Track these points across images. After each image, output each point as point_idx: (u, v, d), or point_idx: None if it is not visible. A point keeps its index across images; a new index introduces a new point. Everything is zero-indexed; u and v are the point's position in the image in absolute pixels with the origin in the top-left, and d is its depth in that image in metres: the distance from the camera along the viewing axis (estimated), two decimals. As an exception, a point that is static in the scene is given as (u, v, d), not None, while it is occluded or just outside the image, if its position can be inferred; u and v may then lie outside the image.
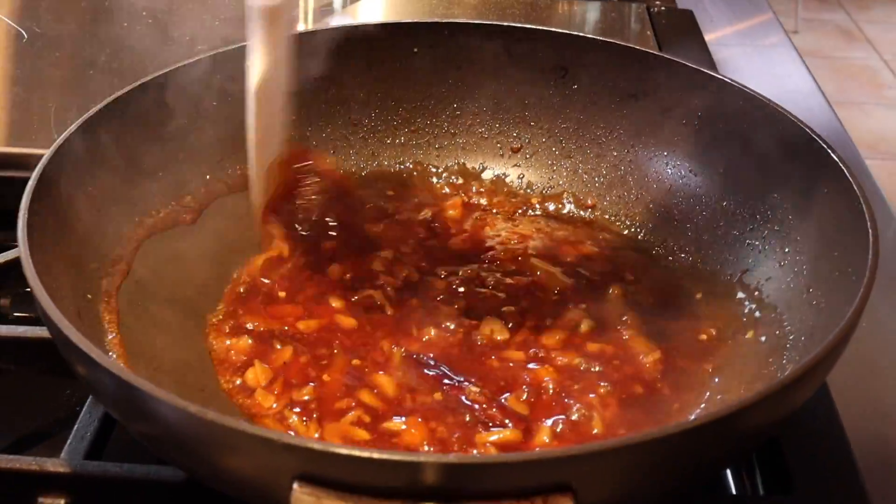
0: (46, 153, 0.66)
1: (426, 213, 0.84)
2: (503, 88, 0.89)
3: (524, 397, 0.65)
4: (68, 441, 0.63)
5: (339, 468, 0.44)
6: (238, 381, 0.68)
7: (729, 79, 0.79)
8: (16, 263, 0.69)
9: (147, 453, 0.62)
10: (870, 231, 0.61)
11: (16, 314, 0.83)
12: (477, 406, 0.64)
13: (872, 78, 3.59)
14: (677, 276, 0.78)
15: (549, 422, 0.63)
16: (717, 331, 0.71)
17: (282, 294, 0.75)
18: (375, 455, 0.43)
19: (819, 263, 0.67)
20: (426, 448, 0.61)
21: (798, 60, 1.25)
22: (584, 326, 0.72)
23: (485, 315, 0.72)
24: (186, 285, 0.74)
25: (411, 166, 0.89)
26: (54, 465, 0.61)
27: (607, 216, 0.85)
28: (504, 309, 0.73)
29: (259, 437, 0.45)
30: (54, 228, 0.64)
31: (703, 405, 0.66)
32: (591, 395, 0.65)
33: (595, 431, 0.63)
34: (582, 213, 0.86)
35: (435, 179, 0.89)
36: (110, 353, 0.64)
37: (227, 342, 0.71)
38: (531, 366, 0.68)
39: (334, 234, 0.81)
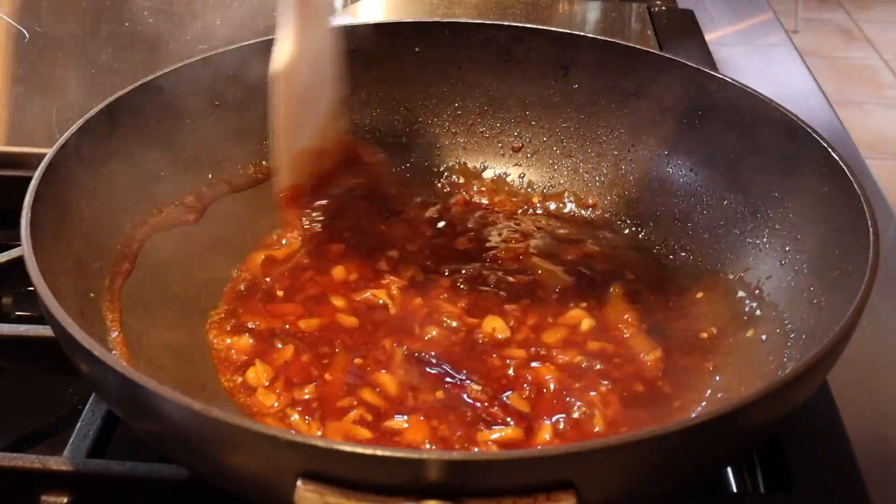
0: (49, 152, 0.67)
1: (432, 213, 0.84)
2: (504, 88, 0.89)
3: (526, 395, 0.65)
4: (71, 439, 0.63)
5: (342, 465, 0.45)
6: (239, 380, 0.68)
7: (729, 78, 0.79)
8: (18, 262, 0.70)
9: (150, 451, 0.63)
10: (870, 230, 0.61)
11: (17, 313, 0.83)
12: (479, 404, 0.64)
13: (872, 78, 3.59)
14: (678, 275, 0.78)
15: (551, 420, 0.63)
16: (718, 329, 0.72)
17: (280, 293, 0.75)
18: (379, 452, 0.44)
19: (819, 262, 0.67)
20: (428, 446, 0.61)
21: (798, 60, 1.26)
22: (585, 325, 0.72)
23: (486, 314, 0.72)
24: (188, 284, 0.75)
25: (412, 166, 0.90)
26: (57, 463, 0.61)
27: (608, 215, 0.85)
28: (505, 307, 0.73)
29: (263, 435, 0.45)
30: (57, 227, 0.64)
31: (703, 403, 0.66)
32: (593, 394, 0.65)
33: (597, 429, 0.63)
34: (583, 212, 0.86)
35: (436, 179, 0.89)
36: (113, 352, 0.64)
37: (228, 341, 0.71)
38: (533, 364, 0.68)
39: (347, 233, 0.81)
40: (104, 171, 0.72)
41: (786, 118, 0.73)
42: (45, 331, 0.69)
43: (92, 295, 0.66)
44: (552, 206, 0.87)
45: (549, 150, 0.89)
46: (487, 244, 0.81)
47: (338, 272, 0.77)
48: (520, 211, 0.86)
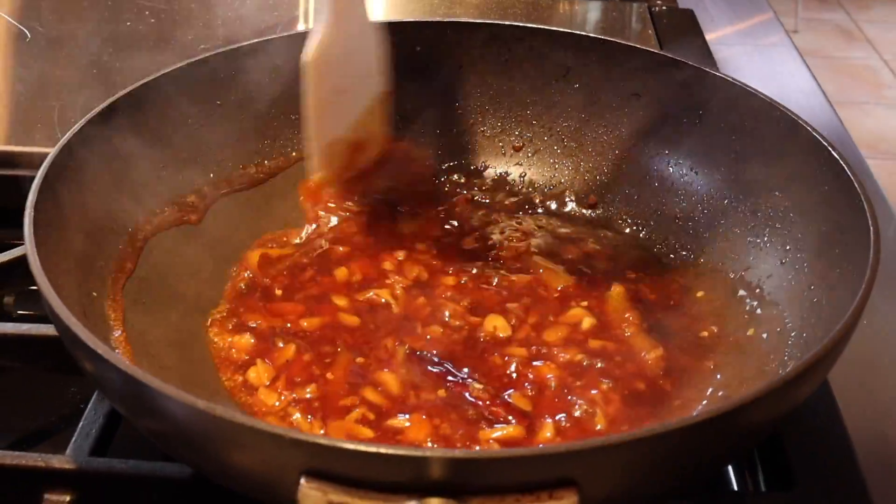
0: (52, 152, 0.67)
1: (442, 212, 0.84)
2: (505, 87, 0.89)
3: (527, 394, 0.65)
4: (73, 438, 0.63)
5: (345, 463, 0.45)
6: (240, 379, 0.68)
7: (730, 77, 0.79)
8: (20, 261, 0.70)
9: (152, 450, 0.63)
10: (871, 229, 0.61)
11: (20, 312, 0.84)
12: (480, 402, 0.64)
13: (872, 78, 3.59)
14: (679, 274, 0.78)
15: (552, 418, 0.63)
16: (719, 328, 0.72)
17: (279, 292, 0.75)
18: (382, 450, 0.44)
19: (820, 261, 0.67)
20: (430, 445, 0.61)
21: (798, 60, 1.26)
22: (586, 324, 0.72)
23: (488, 312, 0.72)
24: (190, 283, 0.75)
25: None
26: (60, 461, 0.61)
27: (609, 214, 0.85)
28: (507, 306, 0.73)
29: (267, 433, 0.45)
30: (59, 226, 0.65)
31: (704, 402, 0.66)
32: (594, 392, 0.65)
33: (598, 428, 0.63)
34: (584, 211, 0.86)
35: (437, 178, 0.89)
36: (116, 351, 0.64)
37: (229, 340, 0.71)
38: (534, 363, 0.68)
39: (357, 236, 0.81)
40: (106, 171, 0.72)
41: (786, 117, 0.74)
42: (47, 330, 0.69)
43: (94, 294, 0.66)
44: (553, 206, 0.87)
45: (549, 150, 0.89)
46: (489, 243, 0.81)
47: (340, 273, 0.77)
48: (521, 210, 0.86)
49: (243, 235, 0.81)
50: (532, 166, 0.89)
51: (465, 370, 0.67)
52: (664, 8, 1.31)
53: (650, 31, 1.23)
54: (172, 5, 1.22)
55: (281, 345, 0.70)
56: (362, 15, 0.79)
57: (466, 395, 0.65)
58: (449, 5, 1.30)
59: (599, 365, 0.68)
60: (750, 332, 0.70)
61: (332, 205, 0.82)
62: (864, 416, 0.69)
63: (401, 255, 0.78)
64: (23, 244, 0.66)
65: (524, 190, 0.88)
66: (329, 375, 0.67)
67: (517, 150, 0.89)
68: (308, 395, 0.66)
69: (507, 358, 0.68)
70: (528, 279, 0.76)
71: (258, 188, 0.84)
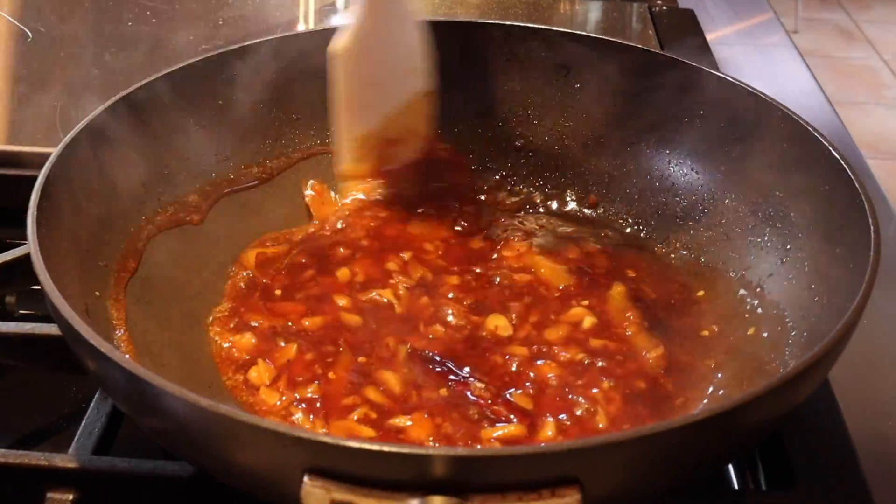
0: (54, 151, 0.67)
1: (452, 213, 0.84)
2: (506, 87, 0.89)
3: (529, 393, 0.65)
4: (76, 437, 0.64)
5: (349, 461, 0.45)
6: (241, 378, 0.68)
7: (731, 77, 0.79)
8: (21, 261, 0.70)
9: (155, 448, 0.63)
10: (871, 228, 0.61)
11: (21, 311, 0.84)
12: (482, 402, 0.64)
13: (872, 78, 3.59)
14: (679, 273, 0.78)
15: (554, 417, 0.64)
16: (720, 327, 0.72)
17: (278, 292, 0.75)
18: (385, 448, 0.44)
19: (820, 260, 0.67)
20: (432, 444, 0.62)
21: (798, 60, 1.26)
22: (587, 323, 0.72)
23: (490, 312, 0.72)
24: (192, 282, 0.75)
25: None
26: (62, 460, 0.61)
27: (610, 214, 0.85)
28: (508, 305, 0.73)
29: (270, 431, 0.46)
30: (62, 226, 0.65)
31: (705, 400, 0.66)
32: (595, 391, 0.66)
33: (600, 426, 0.63)
34: (585, 210, 0.86)
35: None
36: (118, 349, 0.64)
37: (231, 339, 0.71)
38: (535, 362, 0.68)
39: (365, 240, 0.81)
40: (108, 171, 0.72)
41: (787, 117, 0.74)
42: (49, 329, 0.69)
43: (97, 293, 0.66)
44: (554, 205, 0.87)
45: (550, 149, 0.89)
46: (492, 243, 0.81)
47: (342, 273, 0.77)
48: (522, 210, 0.86)
49: (245, 235, 0.81)
50: (533, 166, 0.89)
51: (467, 369, 0.67)
52: (664, 8, 1.31)
53: (651, 31, 1.23)
54: (173, 5, 1.22)
55: (282, 344, 0.70)
56: (401, 11, 0.79)
57: (468, 394, 0.65)
58: (450, 5, 1.30)
59: (600, 364, 0.68)
60: (750, 331, 0.70)
61: (360, 194, 0.82)
62: (864, 416, 0.70)
63: (407, 255, 0.78)
64: (24, 244, 0.66)
65: (525, 190, 0.88)
66: (331, 375, 0.67)
67: (518, 149, 0.90)
68: (310, 395, 0.66)
69: (508, 357, 0.69)
70: (530, 278, 0.76)
71: (260, 188, 0.84)
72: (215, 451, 0.50)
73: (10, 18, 1.17)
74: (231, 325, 0.72)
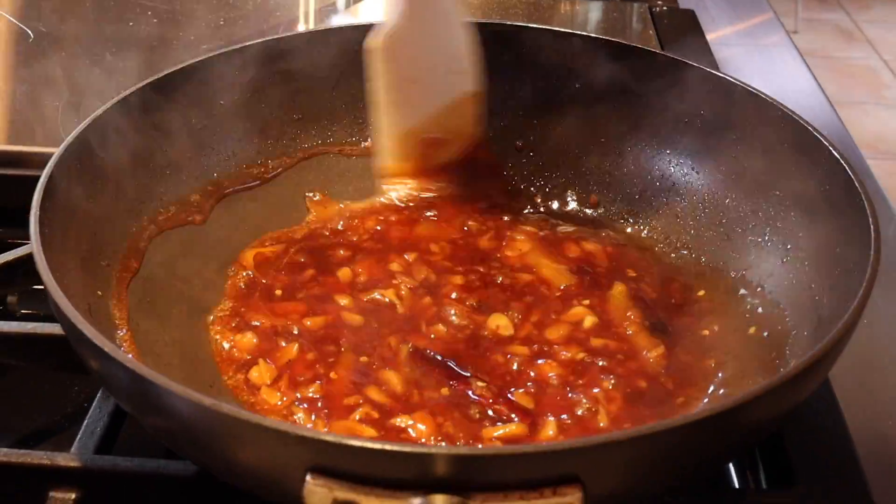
0: (57, 151, 0.67)
1: (462, 214, 0.84)
2: (506, 87, 0.89)
3: (530, 392, 0.66)
4: (78, 436, 0.64)
5: (351, 460, 0.45)
6: (242, 378, 0.68)
7: (731, 77, 0.80)
8: (23, 261, 0.70)
9: (157, 447, 0.63)
10: (871, 228, 0.61)
11: (23, 311, 0.84)
12: (483, 401, 0.64)
13: (872, 78, 3.59)
14: (680, 273, 0.78)
15: (555, 416, 0.64)
16: (720, 327, 0.72)
17: (278, 292, 0.75)
18: (388, 447, 0.44)
19: (821, 260, 0.68)
20: (434, 443, 0.62)
21: (799, 60, 1.26)
22: (588, 322, 0.72)
23: (491, 311, 0.73)
24: (194, 282, 0.75)
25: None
26: (65, 459, 0.61)
27: (611, 214, 0.86)
28: (509, 305, 0.73)
29: (273, 430, 0.46)
30: (65, 226, 0.65)
31: (706, 400, 0.66)
32: (596, 390, 0.66)
33: (601, 425, 0.63)
34: (586, 210, 0.86)
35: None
36: (121, 349, 0.64)
37: (232, 339, 0.71)
38: (536, 361, 0.68)
39: (368, 242, 0.81)
40: (110, 171, 0.73)
41: (787, 117, 0.74)
42: (51, 328, 0.69)
43: (100, 293, 0.66)
44: (555, 205, 0.87)
45: (551, 149, 0.89)
46: (494, 243, 0.81)
47: (343, 273, 0.77)
48: (523, 210, 0.86)
49: (246, 235, 0.81)
50: (534, 166, 0.89)
51: (468, 368, 0.67)
52: (665, 8, 1.31)
53: (651, 32, 1.23)
54: (175, 5, 1.22)
55: (283, 344, 0.70)
56: (444, 10, 0.79)
57: (469, 393, 0.65)
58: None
59: (601, 363, 0.68)
60: (751, 330, 0.70)
61: (396, 188, 0.81)
62: (864, 415, 0.70)
63: (411, 256, 0.78)
64: (25, 244, 0.66)
65: (526, 190, 0.88)
66: (332, 375, 0.67)
67: (519, 149, 0.90)
68: (311, 395, 0.66)
69: (509, 356, 0.69)
70: (531, 278, 0.76)
71: (262, 187, 0.84)
72: (218, 450, 0.51)
73: (12, 18, 1.17)
74: (232, 325, 0.72)
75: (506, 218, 0.84)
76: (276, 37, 0.86)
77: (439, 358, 0.68)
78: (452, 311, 0.72)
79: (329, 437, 0.45)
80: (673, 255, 0.81)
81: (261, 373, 0.68)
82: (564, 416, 0.64)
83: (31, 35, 1.14)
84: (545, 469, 0.45)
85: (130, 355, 0.64)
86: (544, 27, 0.88)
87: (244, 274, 0.77)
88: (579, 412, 0.64)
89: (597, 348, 0.70)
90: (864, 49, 3.81)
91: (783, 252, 0.72)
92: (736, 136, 0.79)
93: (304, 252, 0.79)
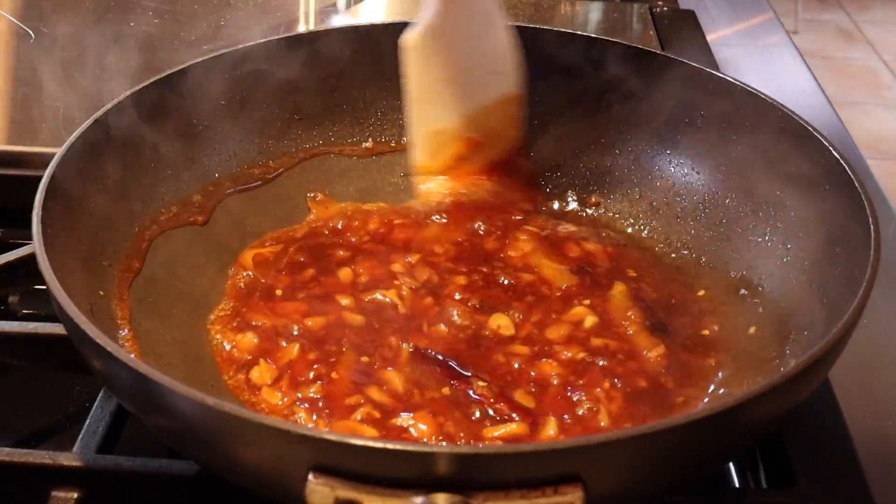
0: (59, 151, 0.67)
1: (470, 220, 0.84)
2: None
3: (531, 391, 0.66)
4: (80, 435, 0.64)
5: (353, 459, 0.45)
6: (243, 378, 0.68)
7: (731, 78, 0.80)
8: (25, 261, 0.70)
9: (159, 447, 0.63)
10: (871, 228, 0.61)
11: (24, 311, 0.84)
12: (484, 400, 0.65)
13: (872, 78, 3.59)
14: (680, 273, 0.79)
15: (556, 416, 0.64)
16: (720, 326, 0.72)
17: (279, 292, 0.76)
18: (390, 446, 0.44)
19: (821, 260, 0.68)
20: (436, 442, 0.62)
21: (799, 60, 1.26)
22: (589, 322, 0.72)
23: (492, 311, 0.73)
24: (195, 282, 0.75)
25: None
26: (67, 459, 0.61)
27: (611, 214, 0.86)
28: (510, 305, 0.73)
29: (275, 429, 0.46)
30: (67, 226, 0.65)
31: (706, 399, 0.66)
32: (597, 390, 0.66)
33: (602, 425, 0.63)
34: (586, 210, 0.87)
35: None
36: (123, 349, 0.65)
37: (233, 339, 0.71)
38: (537, 361, 0.69)
39: (369, 244, 0.81)
40: (112, 171, 0.73)
41: (787, 117, 0.74)
42: (53, 328, 0.69)
43: (101, 293, 0.66)
44: (556, 205, 0.87)
45: (552, 150, 0.89)
46: (496, 244, 0.81)
47: (344, 274, 0.77)
48: (524, 210, 0.86)
49: (248, 235, 0.81)
50: (534, 166, 0.89)
51: (469, 368, 0.67)
52: (665, 9, 1.31)
53: (651, 32, 1.23)
54: (176, 6, 1.22)
55: (284, 344, 0.70)
56: (482, 10, 0.78)
57: (470, 393, 0.65)
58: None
59: (602, 363, 0.68)
60: (751, 330, 0.70)
61: (433, 188, 0.81)
62: (864, 415, 0.70)
63: (414, 258, 0.79)
64: (26, 244, 0.66)
65: (527, 190, 0.88)
66: (334, 375, 0.67)
67: (519, 150, 0.90)
68: (312, 395, 0.66)
69: (510, 356, 0.69)
70: (532, 278, 0.76)
71: (263, 187, 0.84)
72: (220, 449, 0.51)
73: (13, 19, 1.17)
74: (233, 325, 0.73)
75: (515, 217, 0.84)
76: (277, 37, 0.86)
77: (440, 358, 0.68)
78: (455, 312, 0.72)
79: (331, 436, 0.45)
80: (673, 255, 0.81)
81: (261, 373, 0.68)
82: (565, 416, 0.64)
83: (32, 35, 1.14)
84: (546, 468, 0.45)
85: (132, 355, 0.64)
86: (545, 27, 0.88)
87: (244, 274, 0.77)
88: (580, 412, 0.64)
89: (597, 348, 0.70)
90: (864, 49, 3.81)
91: (783, 252, 0.72)
92: (736, 136, 0.79)
93: (305, 252, 0.79)
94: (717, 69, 0.95)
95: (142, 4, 1.17)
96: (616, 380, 0.67)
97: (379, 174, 0.89)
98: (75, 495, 0.61)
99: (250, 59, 0.83)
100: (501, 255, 0.79)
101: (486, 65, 0.80)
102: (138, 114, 0.75)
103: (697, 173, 0.82)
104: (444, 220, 0.83)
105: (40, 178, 0.65)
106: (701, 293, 0.76)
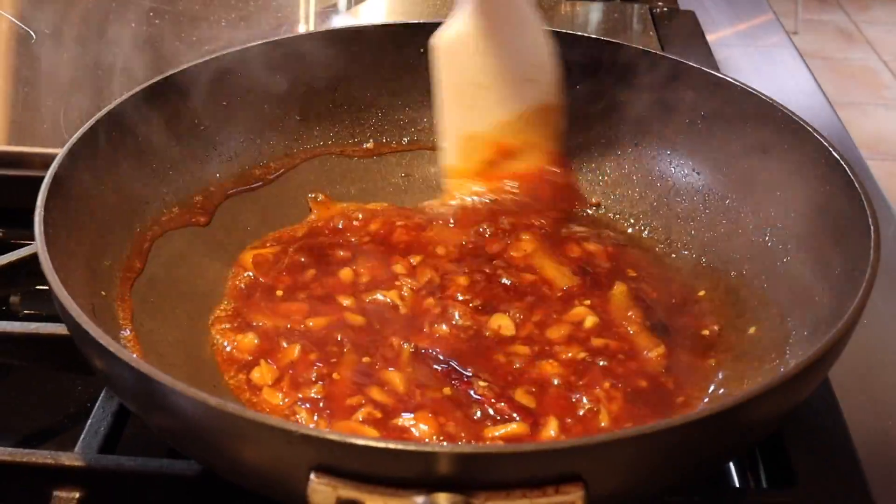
0: (61, 152, 0.67)
1: (473, 219, 0.84)
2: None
3: (531, 391, 0.66)
4: (82, 435, 0.64)
5: (355, 459, 0.45)
6: (244, 378, 0.68)
7: (731, 78, 0.80)
8: (26, 261, 0.70)
9: (161, 447, 0.64)
10: (871, 228, 0.62)
11: (26, 311, 0.84)
12: (485, 400, 0.65)
13: (872, 79, 3.60)
14: (681, 273, 0.79)
15: (556, 416, 0.64)
16: (720, 326, 0.73)
17: (279, 293, 0.76)
18: (391, 446, 0.44)
19: (821, 260, 0.68)
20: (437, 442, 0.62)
21: (799, 60, 1.26)
22: (589, 322, 0.73)
23: (493, 311, 0.73)
24: (197, 282, 0.75)
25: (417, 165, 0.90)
26: (69, 458, 0.61)
27: (612, 214, 0.86)
28: (511, 305, 0.74)
29: (278, 429, 0.46)
30: (69, 226, 0.65)
31: (706, 399, 0.66)
32: (597, 390, 0.66)
33: (602, 425, 0.63)
34: (587, 210, 0.87)
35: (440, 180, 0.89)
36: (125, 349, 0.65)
37: (234, 340, 0.71)
38: (537, 361, 0.69)
39: (368, 244, 0.81)
40: (113, 172, 0.73)
41: (787, 118, 0.74)
42: (54, 328, 0.69)
43: (103, 293, 0.67)
44: (555, 206, 0.87)
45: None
46: (496, 243, 0.81)
47: (345, 274, 0.77)
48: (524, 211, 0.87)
49: (249, 236, 0.81)
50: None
51: (470, 368, 0.67)
52: (665, 9, 1.31)
53: (651, 33, 1.23)
54: (177, 7, 1.22)
55: (285, 345, 0.70)
56: (521, 16, 0.78)
57: (471, 393, 0.65)
58: (451, 7, 1.30)
59: (602, 363, 0.69)
60: (751, 330, 0.70)
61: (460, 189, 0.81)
62: (864, 415, 0.70)
63: (416, 259, 0.79)
64: (27, 244, 0.66)
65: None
66: (335, 375, 0.67)
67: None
68: (313, 395, 0.66)
69: (511, 356, 0.69)
70: (533, 279, 0.77)
71: (264, 188, 0.84)
72: (222, 449, 0.51)
73: (14, 20, 1.18)
74: (234, 326, 0.73)
75: (498, 218, 0.84)
76: (277, 38, 0.86)
77: (441, 358, 0.68)
78: (456, 312, 0.72)
79: (333, 436, 0.45)
80: (673, 255, 0.81)
81: (262, 373, 0.68)
82: (566, 416, 0.64)
83: (34, 36, 1.14)
84: (548, 468, 0.46)
85: (135, 355, 0.64)
86: (545, 28, 0.88)
87: (244, 275, 0.77)
88: (580, 412, 0.64)
89: (598, 348, 0.70)
90: (864, 50, 3.81)
91: (783, 252, 0.73)
92: (736, 137, 0.79)
93: (306, 252, 0.79)
94: (718, 70, 0.95)
95: (142, 5, 1.17)
96: (616, 380, 0.67)
97: (380, 175, 0.89)
98: (77, 495, 0.61)
99: (251, 60, 0.83)
100: (504, 256, 0.79)
101: (521, 72, 0.79)
102: (140, 114, 0.76)
103: (698, 174, 0.82)
104: (451, 223, 0.83)
105: (42, 178, 0.65)
106: (701, 293, 0.76)
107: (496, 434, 0.63)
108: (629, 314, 0.73)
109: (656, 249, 0.82)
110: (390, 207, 0.86)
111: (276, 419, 0.49)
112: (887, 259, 0.65)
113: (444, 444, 0.61)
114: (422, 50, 0.89)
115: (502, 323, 0.72)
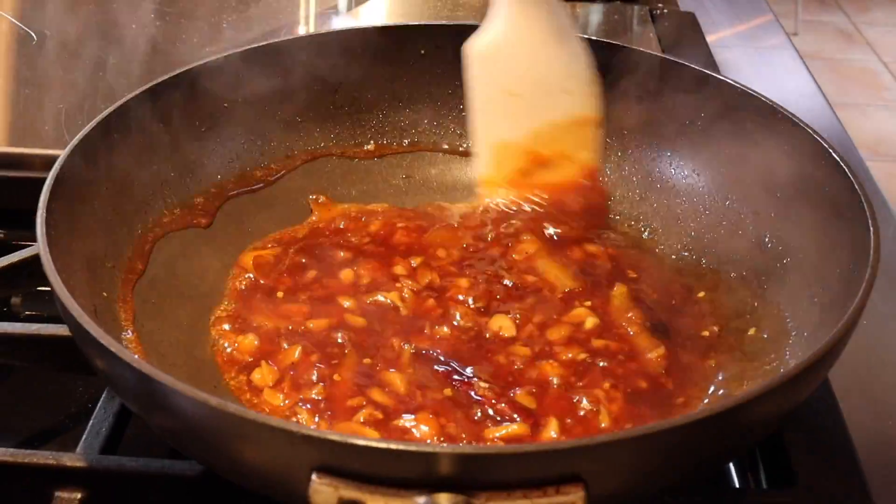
0: (63, 153, 0.68)
1: (476, 219, 0.84)
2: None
3: (532, 392, 0.66)
4: (84, 436, 0.64)
5: (356, 459, 0.45)
6: (244, 379, 0.68)
7: (731, 80, 0.80)
8: (28, 262, 0.71)
9: (162, 447, 0.64)
10: (871, 229, 0.62)
11: (27, 312, 0.84)
12: (485, 401, 0.65)
13: (872, 80, 3.60)
14: (680, 274, 0.79)
15: (557, 416, 0.64)
16: (720, 327, 0.73)
17: (280, 294, 0.76)
18: (393, 446, 0.45)
19: (820, 261, 0.68)
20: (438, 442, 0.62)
21: (799, 62, 1.26)
22: (590, 323, 0.73)
23: (493, 313, 0.73)
24: (198, 284, 0.75)
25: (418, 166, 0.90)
26: (71, 459, 0.61)
27: (612, 215, 0.86)
28: (511, 306, 0.74)
29: (279, 429, 0.46)
30: (70, 227, 0.65)
31: (706, 400, 0.67)
32: (597, 390, 0.66)
33: (602, 425, 0.64)
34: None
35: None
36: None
37: (235, 341, 0.71)
38: (538, 362, 0.69)
39: (370, 245, 0.81)
40: (115, 173, 0.73)
41: (787, 119, 0.74)
42: (55, 329, 0.69)
43: (105, 294, 0.67)
44: (557, 207, 0.87)
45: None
46: (497, 243, 0.81)
47: (346, 275, 0.77)
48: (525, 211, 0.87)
49: (250, 237, 0.81)
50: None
51: (471, 369, 0.68)
52: (665, 10, 1.31)
53: (651, 34, 1.23)
54: (177, 8, 1.22)
55: (286, 346, 0.70)
56: (557, 25, 0.77)
57: (472, 394, 0.66)
58: (452, 8, 1.30)
59: (602, 364, 0.69)
60: (751, 331, 0.71)
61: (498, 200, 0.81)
62: (864, 415, 0.70)
63: (416, 260, 0.79)
64: (29, 245, 0.66)
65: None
66: (336, 376, 0.67)
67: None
68: (314, 396, 0.66)
69: (511, 357, 0.69)
70: (534, 280, 0.77)
71: (265, 190, 0.84)
72: (224, 449, 0.51)
73: (15, 21, 1.18)
74: (235, 327, 0.73)
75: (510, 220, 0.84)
76: (278, 40, 0.86)
77: (442, 359, 0.68)
78: (457, 313, 0.72)
79: (335, 437, 0.46)
80: (673, 256, 0.81)
81: (263, 375, 0.68)
82: (567, 416, 0.64)
83: (35, 37, 1.14)
84: (548, 468, 0.46)
85: (136, 356, 0.64)
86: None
87: (245, 276, 0.77)
88: (581, 412, 0.65)
89: (598, 349, 0.70)
90: (864, 51, 3.81)
91: (783, 253, 0.73)
92: (736, 138, 0.79)
93: (306, 253, 0.80)
94: (718, 71, 0.96)
95: (143, 7, 1.17)
96: (617, 381, 0.67)
97: (381, 176, 0.89)
98: (79, 496, 0.61)
99: (252, 61, 0.83)
100: (505, 257, 0.79)
101: (556, 82, 0.78)
102: (141, 116, 0.76)
103: (697, 175, 0.82)
104: (454, 224, 0.83)
105: (43, 179, 0.65)
106: (701, 294, 0.76)
107: (497, 435, 0.63)
108: (629, 315, 0.73)
109: (656, 250, 0.82)
110: (391, 209, 0.86)
111: (277, 419, 0.49)
112: (887, 259, 0.65)
113: (445, 444, 0.61)
114: (422, 52, 0.89)
115: (503, 324, 0.72)
